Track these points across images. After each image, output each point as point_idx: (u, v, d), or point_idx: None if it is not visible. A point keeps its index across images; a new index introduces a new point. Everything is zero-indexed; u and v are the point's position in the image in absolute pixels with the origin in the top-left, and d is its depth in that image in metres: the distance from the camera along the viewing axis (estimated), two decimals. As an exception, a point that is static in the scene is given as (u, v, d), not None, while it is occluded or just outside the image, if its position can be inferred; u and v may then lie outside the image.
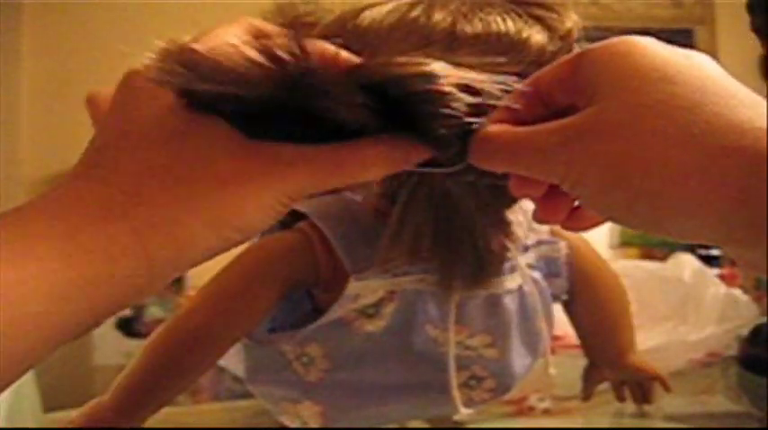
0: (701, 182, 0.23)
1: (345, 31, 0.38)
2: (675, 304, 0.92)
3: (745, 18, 0.74)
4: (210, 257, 0.28)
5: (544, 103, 0.30)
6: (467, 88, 0.29)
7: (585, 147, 0.25)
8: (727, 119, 0.23)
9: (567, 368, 0.64)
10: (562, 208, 0.30)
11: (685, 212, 0.23)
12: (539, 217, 0.31)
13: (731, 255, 0.25)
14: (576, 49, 0.40)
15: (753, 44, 0.75)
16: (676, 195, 0.23)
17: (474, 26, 0.36)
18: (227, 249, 0.28)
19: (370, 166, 0.29)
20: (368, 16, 0.38)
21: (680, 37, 2.56)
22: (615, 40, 0.27)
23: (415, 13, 0.37)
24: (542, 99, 0.30)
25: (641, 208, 0.24)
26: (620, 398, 0.66)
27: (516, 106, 0.30)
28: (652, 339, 0.82)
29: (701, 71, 0.25)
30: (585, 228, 0.32)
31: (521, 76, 0.35)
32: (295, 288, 0.50)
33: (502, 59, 0.35)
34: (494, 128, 0.29)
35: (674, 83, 0.24)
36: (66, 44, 2.23)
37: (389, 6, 0.39)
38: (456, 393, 0.50)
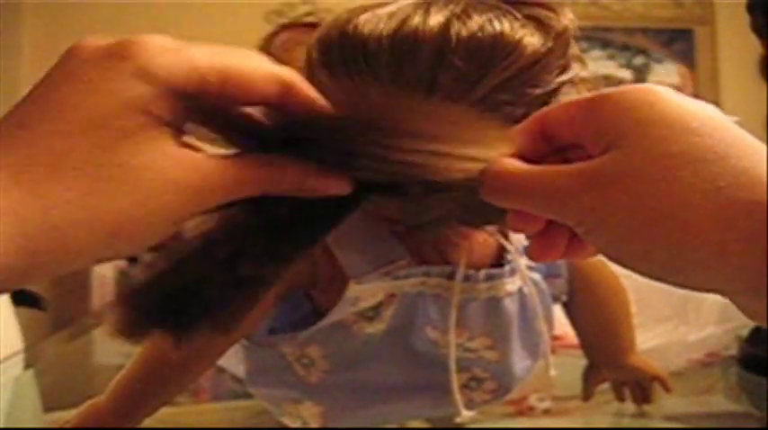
0: (725, 234, 0.23)
1: (346, 36, 0.38)
2: (675, 304, 0.92)
3: (745, 18, 0.74)
4: (97, 263, 0.26)
5: (547, 140, 0.30)
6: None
7: (607, 193, 0.25)
8: (752, 173, 0.23)
9: (567, 368, 0.64)
10: (560, 243, 0.30)
11: (704, 263, 0.24)
12: (534, 254, 0.31)
13: (740, 305, 0.25)
14: (573, 49, 0.40)
15: (753, 44, 0.75)
16: (698, 246, 0.23)
17: (468, 27, 0.36)
18: (114, 259, 0.27)
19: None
20: (368, 22, 0.38)
21: (680, 37, 2.56)
22: (634, 87, 0.27)
23: (413, 18, 0.37)
24: (546, 135, 0.30)
25: (660, 256, 0.25)
26: (620, 398, 0.66)
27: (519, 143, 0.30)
28: (652, 339, 0.82)
29: (719, 123, 0.25)
30: (582, 259, 0.32)
31: (516, 79, 0.35)
32: (294, 289, 0.50)
33: (494, 64, 0.36)
34: (507, 164, 0.29)
35: (698, 134, 0.24)
36: (66, 44, 2.23)
37: (389, 10, 0.38)
38: (457, 395, 0.50)
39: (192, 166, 0.26)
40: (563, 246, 0.30)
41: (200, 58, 0.26)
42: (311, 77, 0.45)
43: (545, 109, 0.30)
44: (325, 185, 0.29)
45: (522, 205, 0.29)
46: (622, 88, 0.27)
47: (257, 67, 0.28)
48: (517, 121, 0.36)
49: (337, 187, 0.29)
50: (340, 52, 0.38)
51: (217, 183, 0.26)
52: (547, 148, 0.29)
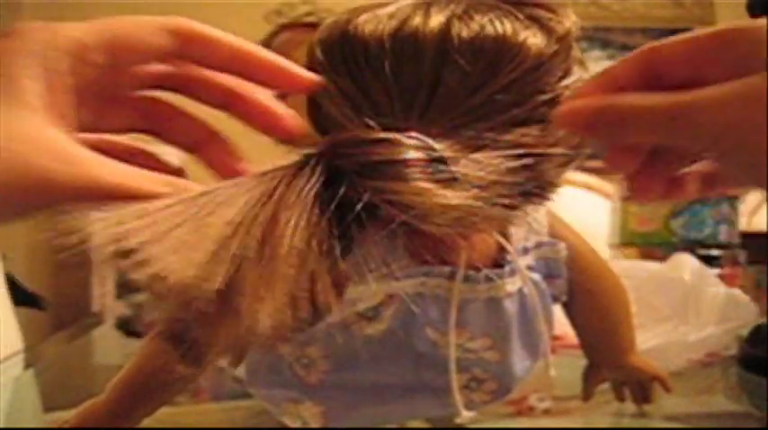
0: None
1: (348, 36, 0.38)
2: (675, 304, 0.92)
3: (745, 18, 0.74)
4: None
5: (655, 78, 0.29)
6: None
7: (752, 109, 0.25)
8: None
9: (567, 368, 0.64)
10: (661, 181, 0.30)
11: None
12: (637, 194, 0.31)
13: None
14: (575, 51, 0.39)
15: (753, 44, 0.75)
16: None
17: (470, 29, 0.36)
18: None
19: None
20: (368, 22, 0.38)
21: (680, 37, 2.56)
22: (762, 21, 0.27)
23: (413, 19, 0.37)
24: (655, 73, 0.29)
25: None
26: (620, 398, 0.66)
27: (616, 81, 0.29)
28: (652, 339, 0.82)
29: None
30: (682, 198, 0.32)
31: (521, 81, 0.35)
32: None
33: (499, 66, 0.36)
34: (616, 96, 0.28)
35: None
36: (66, 44, 2.23)
37: (389, 10, 0.38)
38: (457, 395, 0.50)
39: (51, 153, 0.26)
40: (664, 184, 0.30)
41: (81, 29, 0.28)
42: None
43: (652, 44, 0.29)
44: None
45: (643, 133, 0.28)
46: (756, 22, 0.27)
47: (145, 23, 0.28)
48: (520, 125, 0.36)
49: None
50: (342, 53, 0.38)
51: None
52: (652, 87, 0.28)
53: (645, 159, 0.29)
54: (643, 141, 0.29)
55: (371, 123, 0.33)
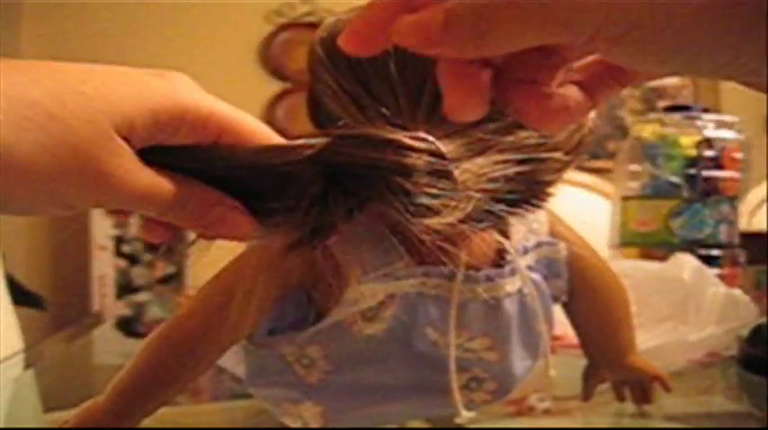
0: (713, 21, 0.22)
1: None
2: (675, 304, 0.92)
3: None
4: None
5: None
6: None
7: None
8: None
9: (567, 368, 0.64)
10: (542, 101, 0.27)
11: (699, 46, 0.23)
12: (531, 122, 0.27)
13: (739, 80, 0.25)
14: None
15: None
16: (694, 30, 0.23)
17: None
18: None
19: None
20: None
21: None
22: None
23: None
24: None
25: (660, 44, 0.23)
26: (620, 398, 0.66)
27: None
28: (652, 339, 0.82)
29: None
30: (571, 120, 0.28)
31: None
32: (294, 289, 0.50)
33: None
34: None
35: None
36: (67, 44, 2.22)
37: None
38: (457, 395, 0.50)
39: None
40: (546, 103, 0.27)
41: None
42: (314, 77, 0.45)
43: None
44: (223, 222, 0.31)
45: (513, 34, 0.23)
46: None
47: (148, 111, 0.30)
48: (521, 127, 0.36)
49: (236, 227, 0.31)
50: (344, 52, 0.38)
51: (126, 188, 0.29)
52: None
53: (512, 82, 0.26)
54: (511, 48, 0.24)
55: (378, 122, 0.33)
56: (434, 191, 0.30)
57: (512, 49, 0.24)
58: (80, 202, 0.29)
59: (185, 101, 0.30)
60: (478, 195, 0.31)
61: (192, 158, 0.30)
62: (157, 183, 0.30)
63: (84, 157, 0.28)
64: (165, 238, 0.33)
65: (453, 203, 0.30)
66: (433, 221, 0.30)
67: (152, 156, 0.30)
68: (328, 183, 0.29)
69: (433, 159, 0.31)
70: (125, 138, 0.29)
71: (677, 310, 0.92)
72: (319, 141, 0.30)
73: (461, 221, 0.32)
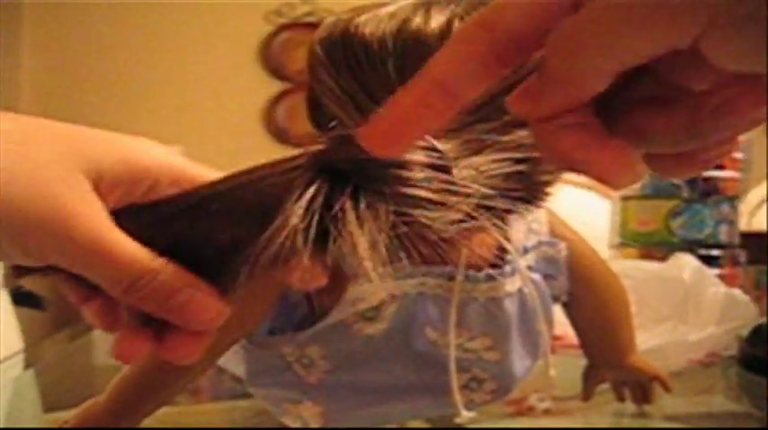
0: None
1: (349, 36, 0.38)
2: (675, 304, 0.92)
3: None
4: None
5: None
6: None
7: None
8: None
9: (567, 368, 0.64)
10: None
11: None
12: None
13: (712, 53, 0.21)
14: None
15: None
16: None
17: None
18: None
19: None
20: (369, 22, 0.38)
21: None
22: None
23: (413, 19, 0.37)
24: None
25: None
26: (620, 398, 0.66)
27: None
28: (652, 339, 0.82)
29: None
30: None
31: (519, 83, 0.35)
32: (294, 290, 0.50)
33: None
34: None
35: None
36: (67, 44, 2.23)
37: (390, 10, 0.38)
38: (457, 395, 0.50)
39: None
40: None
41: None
42: (314, 77, 0.45)
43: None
44: (189, 306, 0.29)
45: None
46: None
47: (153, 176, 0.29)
48: (520, 126, 0.36)
49: (202, 313, 0.29)
50: (343, 52, 0.38)
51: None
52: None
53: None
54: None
55: None
56: (433, 185, 0.30)
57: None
58: (36, 243, 0.27)
59: (157, 151, 0.30)
60: (477, 192, 0.31)
61: (175, 202, 0.29)
62: (125, 244, 0.27)
63: (47, 191, 0.26)
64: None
65: (453, 199, 0.30)
66: (433, 219, 0.30)
67: (126, 219, 0.28)
68: (328, 184, 0.29)
69: (431, 154, 0.31)
70: (95, 188, 0.27)
71: (677, 310, 0.92)
72: (315, 147, 0.30)
73: (461, 221, 0.32)
